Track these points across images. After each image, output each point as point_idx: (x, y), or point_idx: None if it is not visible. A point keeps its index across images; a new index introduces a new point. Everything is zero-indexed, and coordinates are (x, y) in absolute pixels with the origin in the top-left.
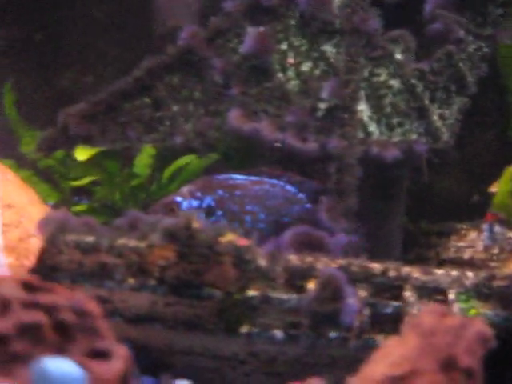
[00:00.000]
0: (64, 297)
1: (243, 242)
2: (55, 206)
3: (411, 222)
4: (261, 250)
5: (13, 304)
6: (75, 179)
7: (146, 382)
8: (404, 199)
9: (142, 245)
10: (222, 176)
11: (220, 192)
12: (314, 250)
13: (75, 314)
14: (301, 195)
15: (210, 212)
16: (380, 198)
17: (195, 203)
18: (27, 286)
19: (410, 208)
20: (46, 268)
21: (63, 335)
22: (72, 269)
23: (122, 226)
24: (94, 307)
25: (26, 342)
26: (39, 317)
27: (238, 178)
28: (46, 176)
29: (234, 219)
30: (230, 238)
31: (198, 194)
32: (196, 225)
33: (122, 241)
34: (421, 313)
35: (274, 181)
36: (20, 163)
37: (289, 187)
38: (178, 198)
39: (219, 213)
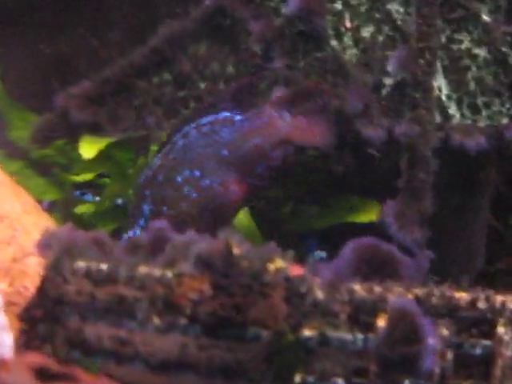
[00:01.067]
0: None
1: (296, 269)
2: (53, 205)
3: (497, 218)
4: (318, 280)
5: None
6: (78, 173)
7: None
8: (490, 195)
9: (170, 274)
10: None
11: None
12: (381, 269)
13: None
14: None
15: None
16: (459, 193)
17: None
18: (42, 373)
19: (495, 201)
20: (49, 300)
21: None
22: (81, 303)
23: (142, 245)
24: None
25: None
26: None
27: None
28: (42, 168)
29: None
30: (279, 264)
31: None
32: (237, 250)
33: (143, 269)
34: None
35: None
36: (9, 152)
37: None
38: None
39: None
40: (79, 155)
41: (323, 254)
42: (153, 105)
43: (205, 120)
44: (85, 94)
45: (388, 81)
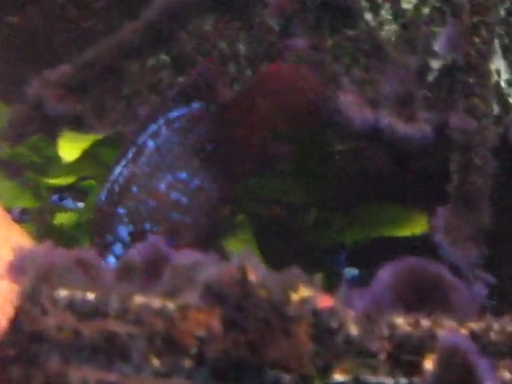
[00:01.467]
0: None
1: (325, 299)
2: (26, 214)
3: None
4: (351, 312)
5: None
6: (57, 176)
7: None
8: None
9: (172, 306)
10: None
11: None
12: (429, 297)
13: None
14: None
15: None
16: None
17: None
18: None
19: None
20: (24, 336)
21: None
22: (63, 340)
23: (136, 267)
24: None
25: None
26: None
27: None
28: (13, 170)
29: None
30: (304, 293)
31: None
32: (253, 276)
33: (139, 299)
34: None
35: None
36: None
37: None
38: None
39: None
40: (57, 154)
41: (355, 271)
42: (147, 93)
43: (173, 114)
44: (64, 80)
45: (435, 64)
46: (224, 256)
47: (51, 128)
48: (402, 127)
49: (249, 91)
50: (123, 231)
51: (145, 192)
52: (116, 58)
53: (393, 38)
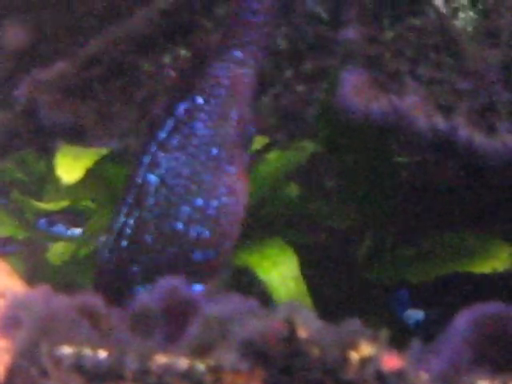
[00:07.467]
0: None
1: (391, 359)
2: (17, 246)
3: None
4: (424, 375)
5: None
6: (50, 199)
7: None
8: None
9: (202, 367)
10: None
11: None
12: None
13: None
14: None
15: None
16: None
17: None
18: None
19: None
20: None
21: None
22: None
23: (152, 314)
24: None
25: None
26: None
27: None
28: None
29: None
30: (366, 352)
31: None
32: (304, 331)
33: (161, 358)
34: None
35: None
36: None
37: None
38: None
39: None
40: (50, 172)
41: (419, 313)
42: (164, 96)
43: (163, 133)
44: (60, 80)
45: None
46: (262, 295)
47: (44, 141)
48: (481, 140)
49: None
50: (140, 292)
51: (160, 238)
52: (125, 53)
53: (469, 29)
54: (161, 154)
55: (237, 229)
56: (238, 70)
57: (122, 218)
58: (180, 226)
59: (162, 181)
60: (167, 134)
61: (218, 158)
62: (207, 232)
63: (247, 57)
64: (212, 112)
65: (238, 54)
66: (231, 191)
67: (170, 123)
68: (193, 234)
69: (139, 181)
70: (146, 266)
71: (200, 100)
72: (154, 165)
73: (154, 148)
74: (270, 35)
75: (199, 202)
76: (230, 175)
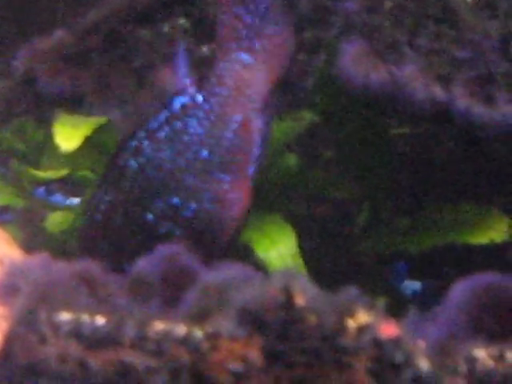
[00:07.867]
0: None
1: (388, 327)
2: (14, 214)
3: None
4: (421, 342)
5: None
6: (48, 168)
7: None
8: None
9: (200, 334)
10: None
11: None
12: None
13: None
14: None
15: None
16: None
17: None
18: None
19: None
20: (18, 369)
21: None
22: (66, 374)
23: (152, 283)
24: None
25: None
26: None
27: None
28: None
29: None
30: (363, 319)
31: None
32: (301, 299)
33: (160, 324)
34: None
35: None
36: None
37: None
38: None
39: None
40: (48, 141)
41: (416, 284)
42: (162, 65)
43: (155, 123)
44: (59, 49)
45: None
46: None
47: (43, 109)
48: (479, 110)
49: None
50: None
51: (129, 224)
52: (124, 22)
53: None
54: (146, 143)
55: (219, 239)
56: (245, 72)
57: (100, 193)
58: (150, 217)
59: (142, 169)
60: (158, 124)
61: (208, 161)
62: (177, 232)
63: (258, 62)
64: (210, 111)
65: (246, 57)
66: (217, 199)
67: (163, 115)
68: (162, 229)
69: (121, 163)
70: (113, 246)
71: (199, 97)
72: (137, 151)
73: (142, 135)
74: (286, 44)
75: (175, 200)
76: (220, 182)
